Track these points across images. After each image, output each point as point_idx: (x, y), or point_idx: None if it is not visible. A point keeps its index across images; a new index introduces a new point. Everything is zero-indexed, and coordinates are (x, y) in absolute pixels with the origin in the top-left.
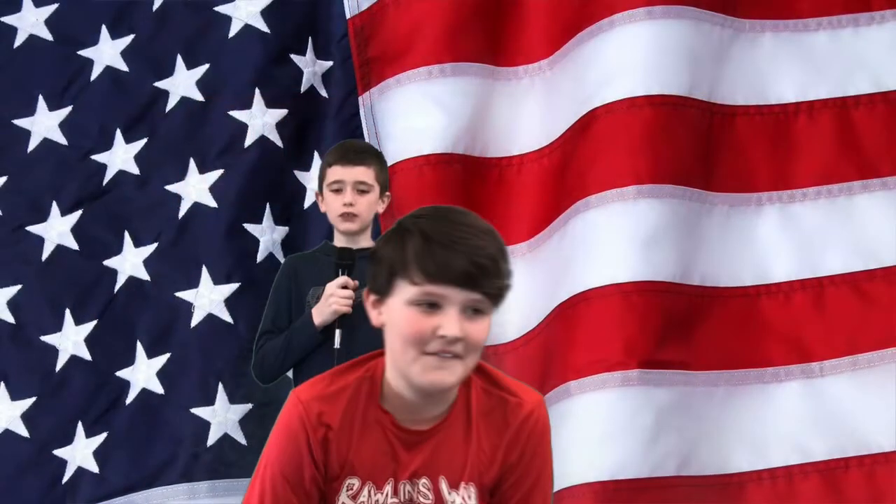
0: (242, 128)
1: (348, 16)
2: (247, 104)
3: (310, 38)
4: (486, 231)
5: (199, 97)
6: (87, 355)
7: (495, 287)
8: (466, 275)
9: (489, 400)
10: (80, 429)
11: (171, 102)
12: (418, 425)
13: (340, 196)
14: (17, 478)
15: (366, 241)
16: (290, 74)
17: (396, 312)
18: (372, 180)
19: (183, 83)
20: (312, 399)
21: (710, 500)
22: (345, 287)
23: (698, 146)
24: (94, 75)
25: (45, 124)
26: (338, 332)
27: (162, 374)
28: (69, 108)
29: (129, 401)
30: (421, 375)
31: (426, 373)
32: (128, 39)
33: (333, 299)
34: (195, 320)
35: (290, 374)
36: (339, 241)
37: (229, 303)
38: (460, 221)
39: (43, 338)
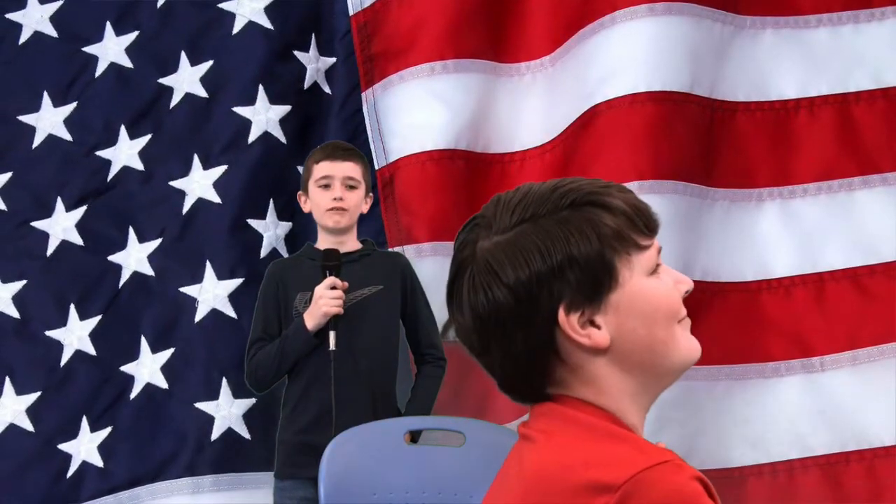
0: (246, 124)
1: (351, 13)
2: (250, 100)
3: (313, 35)
4: None
5: (202, 93)
6: (91, 350)
7: None
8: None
9: None
10: (84, 423)
11: (176, 99)
12: None
13: (329, 192)
14: (22, 472)
15: (353, 243)
16: (293, 71)
17: (638, 296)
18: (360, 176)
19: (187, 80)
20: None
21: None
22: (333, 288)
23: (699, 142)
24: (98, 72)
25: (49, 120)
26: (332, 334)
27: (166, 369)
28: (74, 105)
29: (133, 395)
30: (688, 352)
31: (689, 342)
32: (132, 36)
33: (323, 301)
34: (199, 315)
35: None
36: (323, 242)
37: (233, 298)
38: (583, 180)
39: (48, 332)
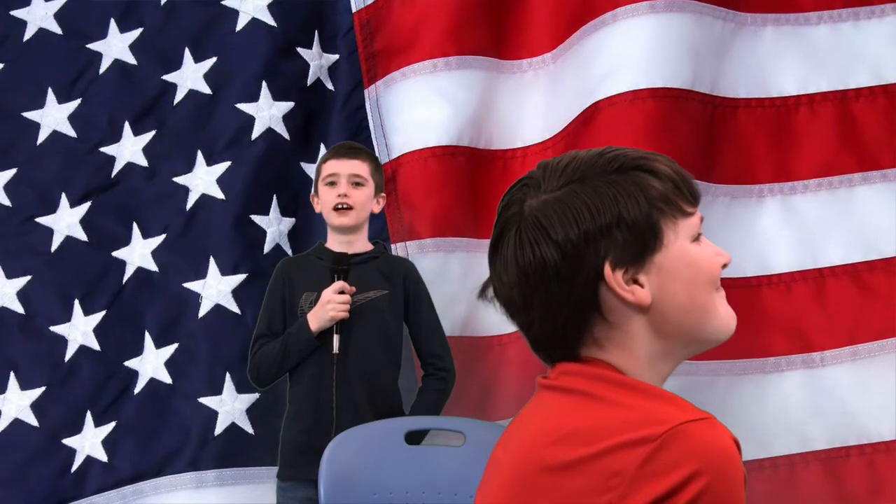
0: (249, 120)
1: (354, 10)
2: (254, 97)
3: (316, 32)
4: None
5: (206, 90)
6: (95, 345)
7: None
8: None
9: None
10: (88, 418)
11: (179, 95)
12: None
13: (334, 189)
14: (26, 466)
15: (362, 244)
16: (296, 68)
17: (681, 259)
18: (367, 174)
19: (191, 76)
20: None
21: None
22: (341, 292)
23: (700, 139)
24: (102, 68)
25: (54, 117)
26: (336, 338)
27: (170, 364)
28: (78, 101)
29: (137, 390)
30: (726, 319)
31: (728, 310)
32: (136, 33)
33: (331, 306)
34: (203, 311)
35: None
36: (333, 242)
37: (237, 293)
38: (631, 149)
39: (52, 328)
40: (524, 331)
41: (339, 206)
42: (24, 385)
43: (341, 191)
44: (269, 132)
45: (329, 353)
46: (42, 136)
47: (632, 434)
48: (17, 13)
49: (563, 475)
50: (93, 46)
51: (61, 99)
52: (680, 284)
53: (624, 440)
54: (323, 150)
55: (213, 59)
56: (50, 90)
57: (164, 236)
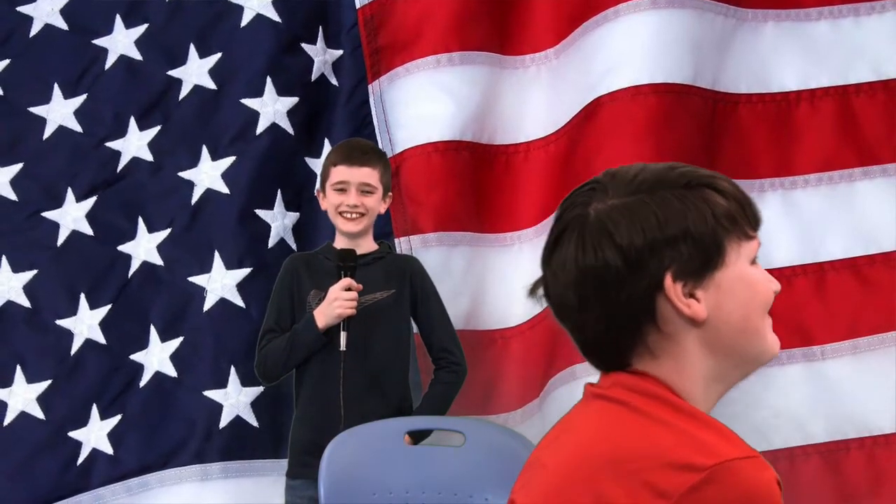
0: (254, 115)
1: (358, 6)
2: (258, 92)
3: (320, 28)
4: None
5: (211, 85)
6: (101, 339)
7: None
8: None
9: None
10: (94, 411)
11: (184, 90)
12: None
13: (344, 196)
14: (33, 459)
15: (368, 245)
16: (300, 63)
17: (740, 280)
18: (376, 182)
19: (196, 72)
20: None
21: None
22: (348, 289)
23: (702, 134)
24: (108, 64)
25: (60, 112)
26: (343, 335)
27: (175, 358)
28: (84, 97)
29: (142, 384)
30: (773, 344)
31: (774, 337)
32: (141, 29)
33: (338, 303)
34: (208, 304)
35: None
36: (340, 242)
37: (241, 287)
38: (703, 170)
39: (58, 322)
40: (575, 333)
41: (349, 215)
42: (31, 378)
43: (351, 201)
44: (274, 127)
45: (336, 350)
46: (48, 132)
47: (682, 458)
48: (23, 9)
49: (609, 487)
50: (98, 42)
51: (67, 94)
52: (736, 304)
53: (673, 461)
54: (327, 146)
55: (218, 55)
56: (56, 85)
57: (169, 230)
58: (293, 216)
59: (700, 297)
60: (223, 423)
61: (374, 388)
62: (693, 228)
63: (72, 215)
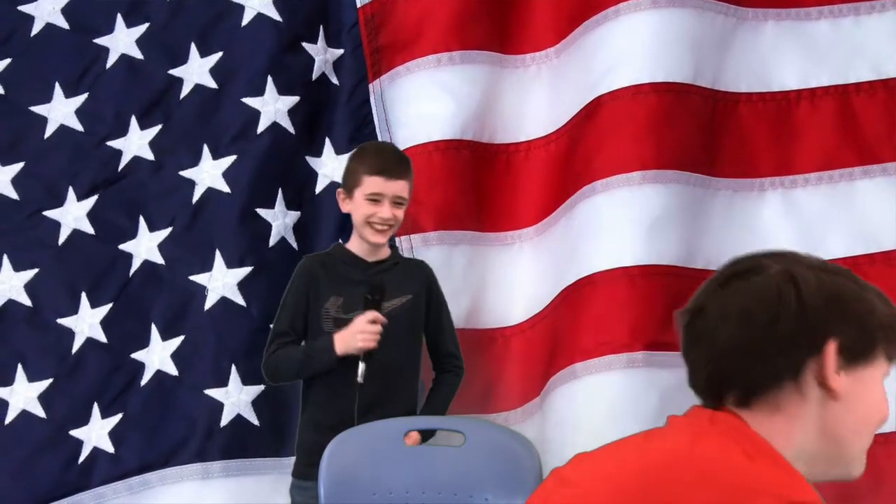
0: (255, 114)
1: (359, 5)
2: (259, 91)
3: (321, 27)
4: None
5: (212, 84)
6: (102, 338)
7: None
8: None
9: None
10: (95, 410)
11: (185, 90)
12: None
13: (377, 207)
14: (34, 457)
15: (385, 250)
16: (301, 62)
17: (875, 385)
18: (408, 193)
19: (197, 71)
20: None
21: None
22: (373, 322)
23: (702, 133)
24: (109, 63)
25: (61, 111)
26: (361, 366)
27: (176, 357)
28: (85, 96)
29: (143, 382)
30: (863, 464)
31: (865, 462)
32: (142, 28)
33: (361, 336)
34: (209, 303)
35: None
36: (358, 246)
37: (242, 286)
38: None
39: (59, 320)
40: (705, 359)
41: (380, 226)
42: (32, 377)
43: (386, 214)
44: (275, 126)
45: (352, 370)
46: (49, 130)
47: (770, 487)
48: (24, 8)
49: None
50: (100, 41)
51: (68, 93)
52: (864, 403)
53: (762, 488)
54: (328, 145)
55: (219, 54)
56: (57, 85)
57: (170, 229)
58: (294, 215)
59: (842, 383)
60: (224, 421)
61: (389, 394)
62: (869, 317)
63: (73, 214)
